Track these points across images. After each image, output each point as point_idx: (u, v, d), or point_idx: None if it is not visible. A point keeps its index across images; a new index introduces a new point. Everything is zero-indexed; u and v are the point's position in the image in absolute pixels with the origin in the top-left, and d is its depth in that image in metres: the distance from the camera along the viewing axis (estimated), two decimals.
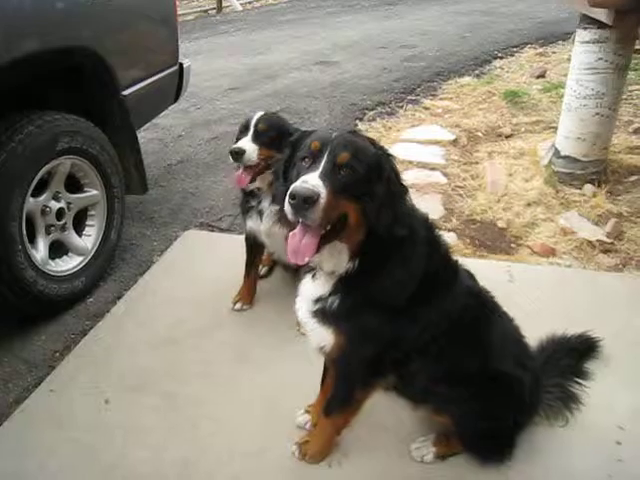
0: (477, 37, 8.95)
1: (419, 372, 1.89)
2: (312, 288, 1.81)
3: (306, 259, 1.56)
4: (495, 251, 3.50)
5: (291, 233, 1.57)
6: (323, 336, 1.80)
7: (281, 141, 2.40)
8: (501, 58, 7.79)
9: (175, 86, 4.01)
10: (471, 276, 1.97)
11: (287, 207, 1.50)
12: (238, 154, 2.49)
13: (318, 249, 1.57)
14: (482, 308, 1.93)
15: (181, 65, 3.99)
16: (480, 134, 5.30)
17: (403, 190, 1.69)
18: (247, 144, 2.51)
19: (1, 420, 2.32)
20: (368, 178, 1.58)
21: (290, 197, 1.46)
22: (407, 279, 1.71)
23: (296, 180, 1.53)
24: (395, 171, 1.67)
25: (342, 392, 1.96)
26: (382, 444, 2.17)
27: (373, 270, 1.69)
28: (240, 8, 14.68)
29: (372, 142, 1.69)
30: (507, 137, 5.15)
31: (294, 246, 1.55)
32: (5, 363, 2.67)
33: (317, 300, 1.79)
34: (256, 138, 2.52)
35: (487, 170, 4.45)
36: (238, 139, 2.59)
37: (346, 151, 1.55)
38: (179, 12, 4.19)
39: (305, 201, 1.44)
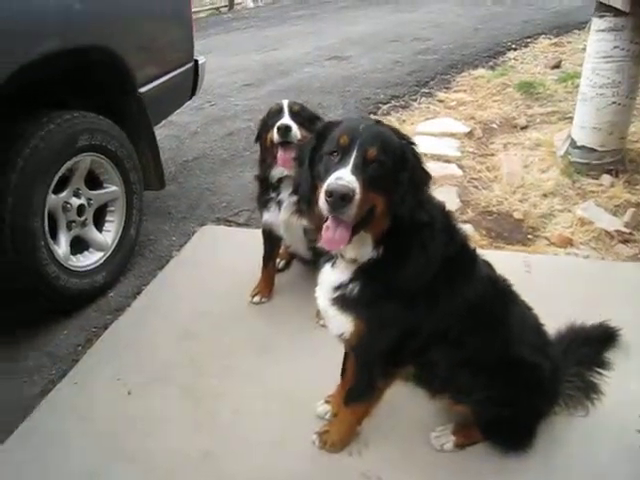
0: (490, 28, 8.88)
1: (438, 361, 1.90)
2: (332, 275, 1.83)
3: (341, 247, 1.62)
4: (512, 242, 3.49)
5: (324, 225, 1.60)
6: (343, 323, 1.82)
7: (311, 125, 2.42)
8: (515, 49, 7.71)
9: (191, 83, 4.05)
10: (489, 265, 1.97)
11: (323, 204, 1.53)
12: (287, 129, 2.48)
13: (350, 239, 1.60)
14: (500, 295, 1.94)
15: (196, 62, 4.03)
16: (495, 126, 5.27)
17: (427, 177, 1.73)
18: (290, 121, 2.51)
19: (28, 411, 2.37)
20: (395, 170, 1.61)
21: (327, 195, 1.49)
22: (426, 266, 1.73)
23: (325, 175, 1.57)
24: (419, 159, 1.71)
25: (362, 381, 1.98)
26: (402, 433, 2.18)
27: (394, 257, 1.71)
28: (252, 5, 14.75)
29: (396, 132, 1.72)
30: (522, 128, 5.12)
31: (329, 238, 1.59)
32: (30, 357, 2.72)
33: (337, 287, 1.81)
34: (294, 118, 2.53)
35: (503, 162, 4.43)
36: (269, 124, 2.57)
37: (374, 146, 1.57)
38: None
39: (342, 198, 1.47)
